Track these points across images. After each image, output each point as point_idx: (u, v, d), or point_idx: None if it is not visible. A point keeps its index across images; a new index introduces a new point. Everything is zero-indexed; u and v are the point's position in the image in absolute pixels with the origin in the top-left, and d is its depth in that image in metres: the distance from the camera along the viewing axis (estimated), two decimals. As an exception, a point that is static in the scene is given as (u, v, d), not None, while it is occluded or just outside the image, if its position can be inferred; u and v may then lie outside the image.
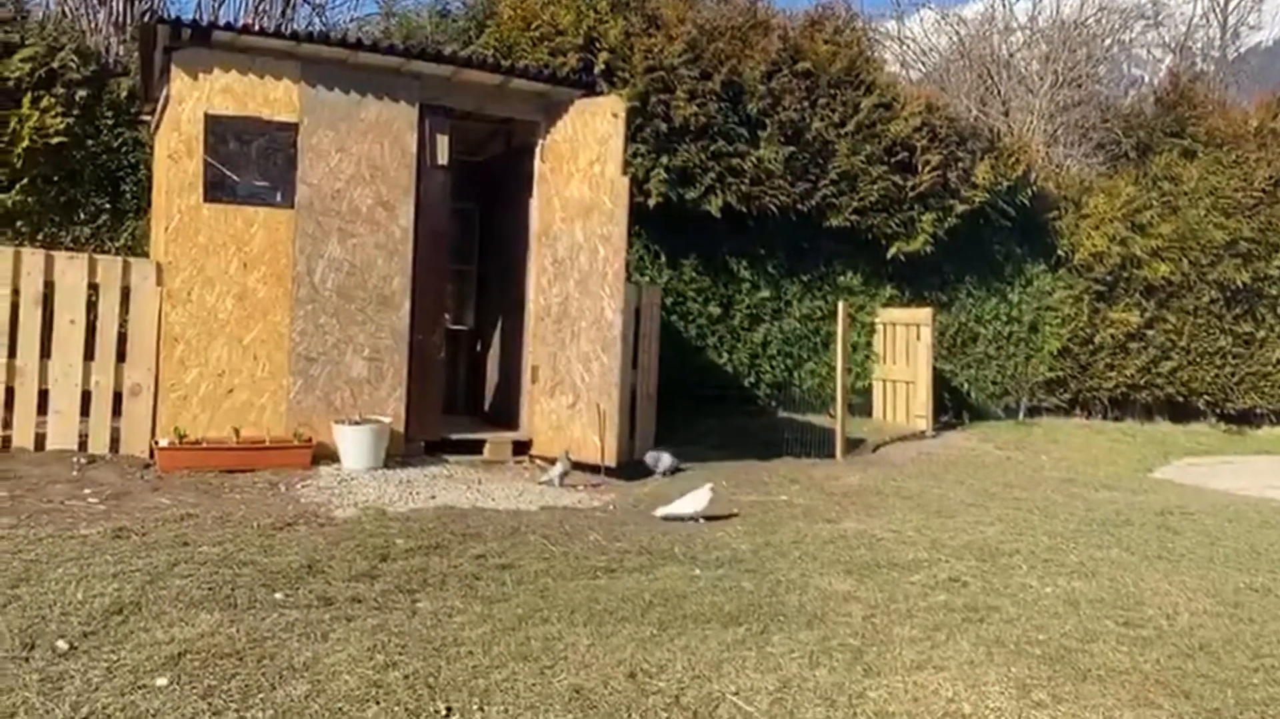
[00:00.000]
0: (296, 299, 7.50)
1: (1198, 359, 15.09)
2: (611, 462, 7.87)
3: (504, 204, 9.34)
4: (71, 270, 7.22)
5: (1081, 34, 18.78)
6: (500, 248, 9.50)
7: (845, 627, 4.45)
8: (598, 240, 7.99)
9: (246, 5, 12.68)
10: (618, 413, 7.94)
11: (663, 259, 11.59)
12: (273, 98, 7.42)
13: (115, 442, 7.25)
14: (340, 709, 3.29)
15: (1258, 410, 15.60)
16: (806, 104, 12.14)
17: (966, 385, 13.89)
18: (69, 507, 5.76)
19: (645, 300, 9.51)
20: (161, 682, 3.40)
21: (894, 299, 13.08)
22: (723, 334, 12.05)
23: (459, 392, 10.27)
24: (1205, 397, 15.23)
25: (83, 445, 7.16)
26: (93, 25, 10.34)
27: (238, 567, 4.71)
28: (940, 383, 12.93)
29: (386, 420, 7.56)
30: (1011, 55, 19.31)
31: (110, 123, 9.31)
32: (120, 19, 10.49)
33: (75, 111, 9.04)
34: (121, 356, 7.29)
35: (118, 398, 7.28)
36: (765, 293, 12.27)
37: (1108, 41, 20.65)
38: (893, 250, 12.85)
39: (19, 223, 8.82)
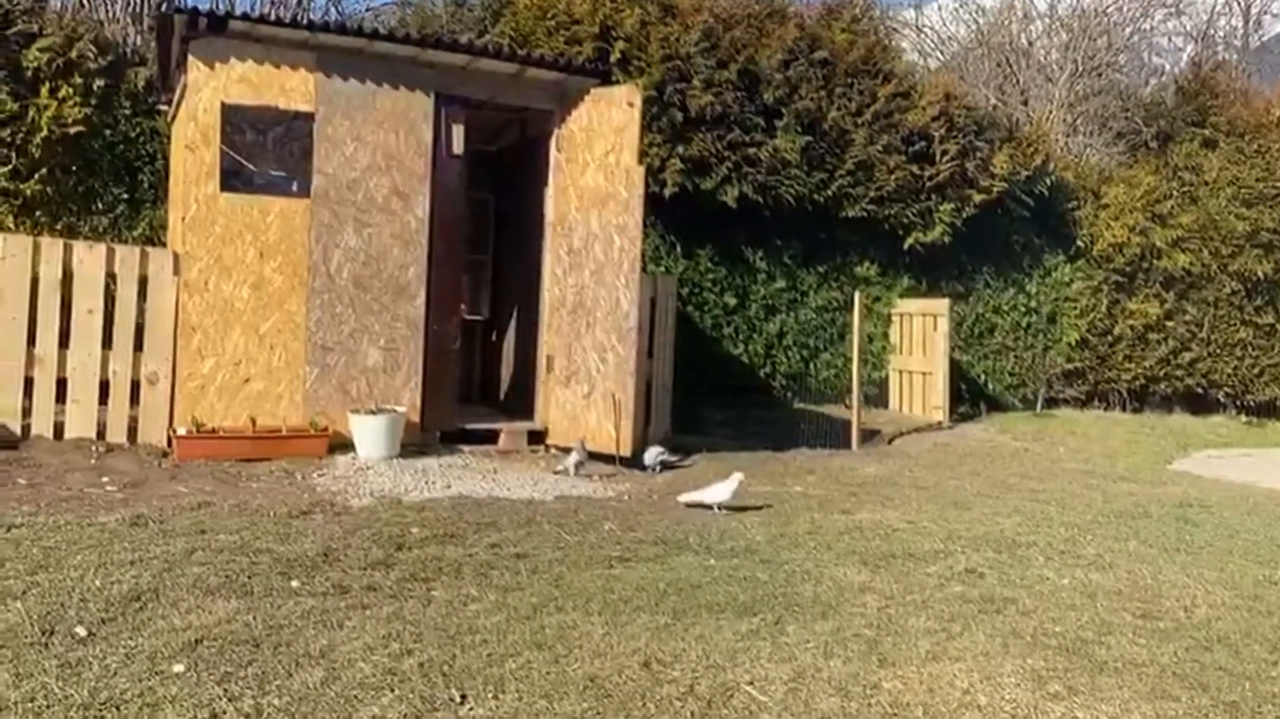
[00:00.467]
0: (312, 289, 7.52)
1: (1218, 351, 14.97)
2: (626, 451, 7.88)
3: (519, 194, 9.34)
4: (90, 259, 7.25)
5: (1102, 22, 18.63)
6: (515, 238, 9.49)
7: (860, 617, 4.44)
8: (613, 230, 7.98)
9: (263, -5, 12.71)
10: (633, 403, 7.94)
11: (678, 249, 11.58)
12: (289, 87, 7.43)
13: (133, 430, 7.29)
14: (356, 696, 3.30)
15: (1278, 403, 15.46)
16: (823, 93, 12.08)
17: (983, 376, 13.83)
18: (87, 494, 5.80)
19: (660, 290, 9.50)
20: (179, 668, 3.42)
21: (911, 290, 13.02)
22: (738, 324, 12.02)
23: (474, 381, 10.29)
24: (1225, 388, 15.11)
25: (101, 434, 7.20)
26: (110, 15, 10.39)
27: (254, 555, 4.74)
28: (957, 374, 12.88)
29: (402, 410, 7.58)
30: (1031, 44, 19.17)
31: (128, 113, 9.35)
32: (137, 9, 10.53)
33: (93, 101, 9.08)
34: (139, 346, 7.32)
35: (135, 387, 7.32)
36: (781, 283, 12.24)
37: (1128, 30, 20.48)
38: (910, 240, 12.80)
39: (38, 212, 8.87)
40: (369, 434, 7.32)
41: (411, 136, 7.78)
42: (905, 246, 12.83)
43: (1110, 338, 14.43)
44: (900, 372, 12.82)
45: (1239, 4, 28.66)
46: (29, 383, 7.08)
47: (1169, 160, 14.94)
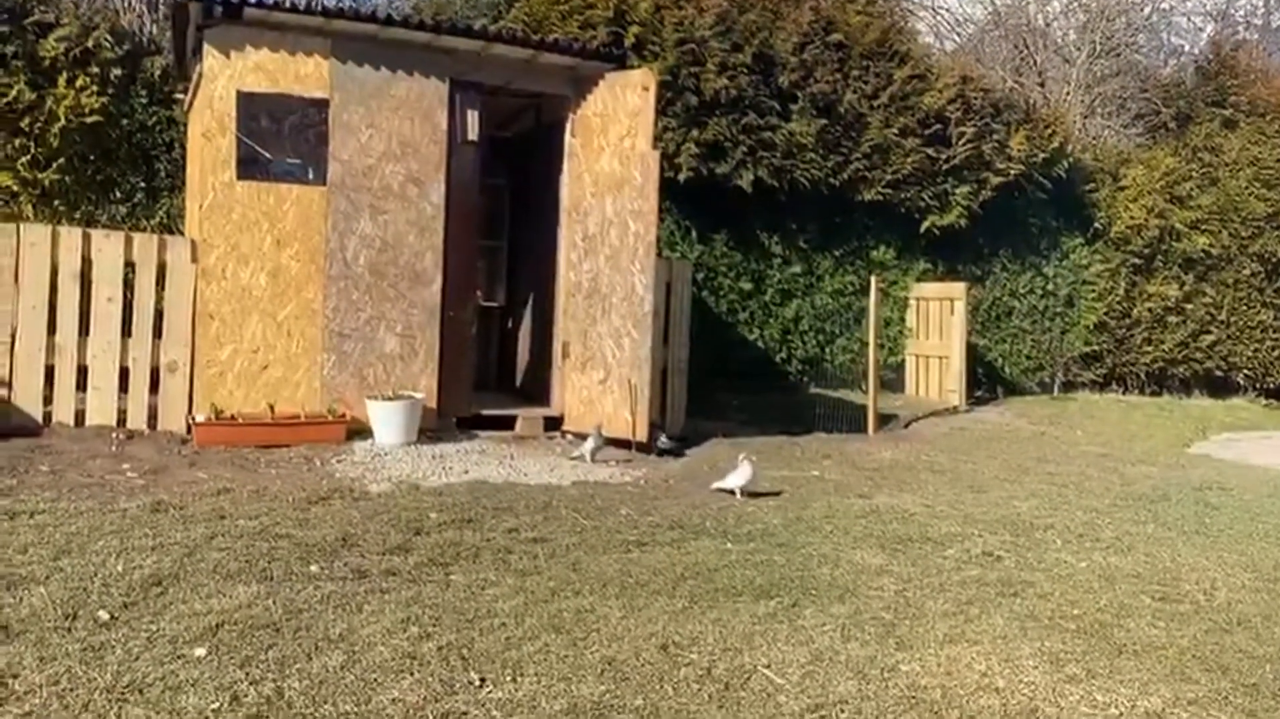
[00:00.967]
0: (329, 276, 7.54)
1: (1237, 333, 14.86)
2: (643, 437, 7.88)
3: (534, 180, 9.33)
4: (108, 248, 7.29)
5: (1120, 2, 18.42)
6: (530, 224, 9.49)
7: (877, 600, 4.44)
8: (628, 215, 7.97)
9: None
10: (648, 388, 7.94)
11: (693, 234, 11.55)
12: (304, 74, 7.44)
13: (153, 417, 7.34)
14: (375, 679, 3.33)
15: (1299, 385, 15.36)
16: (839, 76, 12.01)
17: (1000, 360, 13.77)
18: (108, 481, 5.85)
19: (676, 276, 9.48)
20: (200, 652, 3.45)
21: (927, 273, 12.97)
22: (754, 310, 12.00)
23: (490, 368, 10.31)
24: (1245, 371, 15.00)
25: (121, 421, 7.26)
26: (126, 4, 10.39)
27: (274, 540, 4.77)
28: (974, 358, 12.83)
29: (419, 396, 7.60)
30: (1048, 25, 18.99)
31: (144, 101, 9.39)
32: (153, -2, 10.56)
33: (110, 91, 9.11)
34: (158, 333, 7.37)
35: (155, 374, 7.37)
36: (797, 268, 12.21)
37: (1147, 10, 20.26)
38: (926, 224, 12.74)
39: (56, 201, 8.93)
40: (386, 420, 7.35)
41: (426, 123, 7.78)
42: (922, 230, 12.77)
43: (1128, 321, 14.35)
44: (917, 356, 12.78)
45: (1260, -18, 28.29)
46: (50, 371, 7.14)
47: (1188, 141, 14.81)
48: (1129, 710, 3.45)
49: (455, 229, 7.97)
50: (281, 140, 7.45)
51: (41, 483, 5.66)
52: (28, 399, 7.05)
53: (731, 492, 6.47)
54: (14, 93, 8.68)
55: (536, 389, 9.04)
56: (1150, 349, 14.46)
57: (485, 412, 8.33)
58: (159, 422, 7.33)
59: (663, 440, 8.14)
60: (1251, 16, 27.37)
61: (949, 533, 5.77)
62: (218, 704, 3.08)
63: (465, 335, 8.21)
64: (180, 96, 9.31)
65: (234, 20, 7.21)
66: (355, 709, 3.12)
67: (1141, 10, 19.62)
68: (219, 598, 3.96)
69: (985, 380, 13.30)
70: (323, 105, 7.50)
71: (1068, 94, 16.30)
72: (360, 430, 7.43)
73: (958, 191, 12.73)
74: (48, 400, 7.14)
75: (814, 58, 11.82)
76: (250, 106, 7.32)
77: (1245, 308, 14.83)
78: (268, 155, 7.41)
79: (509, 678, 3.41)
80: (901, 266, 12.87)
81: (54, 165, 8.84)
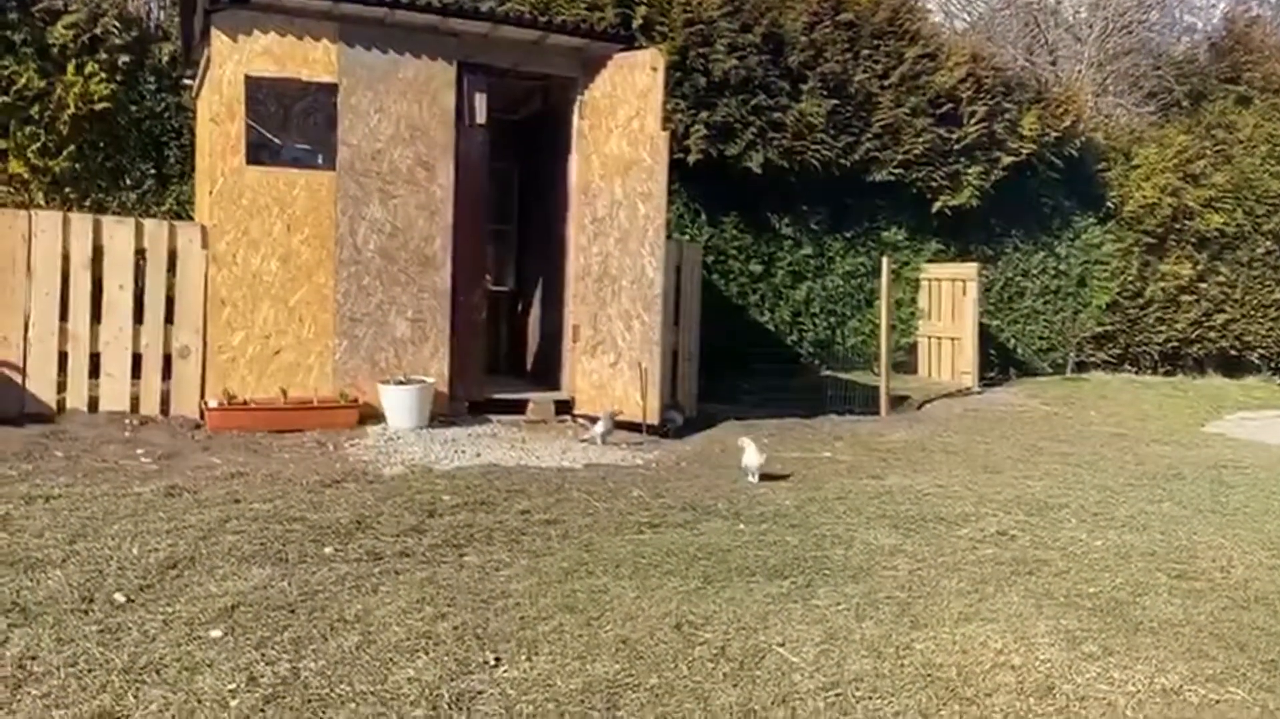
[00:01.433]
0: (340, 260, 7.54)
1: (1252, 312, 14.77)
2: (654, 420, 7.87)
3: (543, 163, 9.30)
4: (119, 235, 7.30)
5: (1132, -21, 18.23)
6: (539, 207, 9.47)
7: (891, 580, 4.43)
8: (637, 197, 7.94)
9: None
10: (659, 371, 7.93)
11: (703, 217, 11.51)
12: (312, 59, 7.42)
13: (165, 403, 7.37)
14: (391, 659, 3.34)
15: (1314, 364, 15.27)
16: (849, 55, 11.93)
17: (1013, 341, 13.71)
18: (123, 466, 5.87)
19: (686, 258, 9.45)
20: (216, 633, 3.46)
21: (939, 254, 12.90)
22: (764, 292, 11.96)
23: (501, 352, 10.31)
24: (1260, 350, 14.91)
25: (134, 407, 7.28)
26: (133, -10, 10.38)
27: (288, 523, 4.78)
28: (986, 339, 12.78)
29: (431, 380, 7.61)
30: (1059, 2, 18.82)
31: (153, 88, 9.38)
32: (160, -16, 10.52)
33: (118, 77, 9.10)
34: (170, 320, 7.38)
35: (167, 360, 7.39)
36: (807, 250, 12.16)
37: (1160, -14, 20.02)
38: (938, 204, 12.67)
39: (67, 189, 8.93)
40: (399, 404, 7.36)
41: (435, 106, 7.76)
42: (933, 210, 12.71)
43: (1141, 300, 14.26)
44: (929, 337, 12.73)
45: (1274, -43, 27.98)
46: (63, 358, 7.16)
47: (1201, 119, 14.68)
48: (1146, 687, 3.44)
49: (464, 213, 7.95)
50: (290, 125, 7.45)
51: (56, 468, 5.69)
52: (42, 386, 7.07)
53: (746, 472, 6.44)
54: (23, 80, 8.68)
55: (547, 373, 9.04)
56: (1164, 329, 14.38)
57: (496, 396, 8.33)
58: (172, 407, 7.36)
59: (672, 416, 8.16)
60: (1265, -8, 27.08)
61: (963, 513, 5.75)
62: (234, 684, 3.09)
63: (475, 319, 8.21)
64: (189, 82, 9.30)
65: (241, 4, 7.19)
66: (371, 689, 3.13)
67: (1154, -13, 19.41)
68: (234, 580, 3.97)
69: (998, 361, 13.25)
70: (331, 89, 7.48)
71: (1079, 72, 16.16)
72: (373, 415, 7.44)
73: (969, 171, 12.66)
74: (61, 387, 7.16)
75: (824, 37, 11.74)
76: (258, 91, 7.31)
77: (1260, 286, 14.72)
78: (277, 140, 7.40)
79: (524, 657, 3.41)
80: (913, 247, 12.81)
81: (64, 153, 8.85)
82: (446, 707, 3.04)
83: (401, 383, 7.48)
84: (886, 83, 12.15)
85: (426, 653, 3.40)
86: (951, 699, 3.27)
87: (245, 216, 7.33)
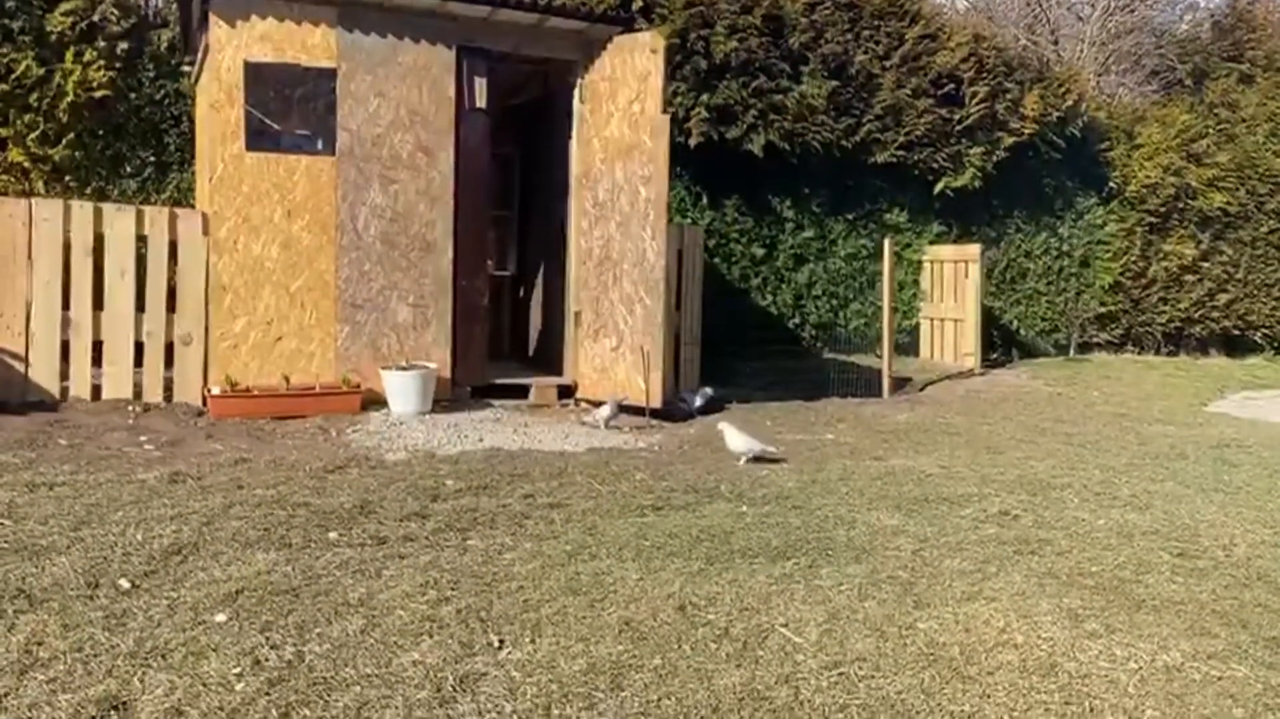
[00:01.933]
0: (341, 246, 7.53)
1: (1255, 291, 14.73)
2: (656, 403, 7.88)
3: (543, 147, 9.28)
4: (120, 222, 7.30)
5: (1135, -43, 18.12)
6: (540, 192, 9.45)
7: (894, 560, 4.44)
8: (638, 181, 7.92)
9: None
10: (661, 355, 7.93)
11: (704, 200, 11.48)
12: (310, 44, 7.40)
13: (168, 391, 7.38)
14: (395, 643, 3.35)
15: (1318, 343, 15.24)
16: (850, 36, 11.89)
17: (1015, 322, 13.69)
18: (126, 453, 5.89)
19: (687, 242, 9.44)
20: (221, 618, 3.47)
21: (941, 236, 12.88)
22: (766, 275, 11.95)
23: (503, 337, 10.32)
24: (1263, 329, 14.89)
25: (137, 395, 7.29)
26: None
27: (292, 508, 4.79)
28: (989, 320, 12.76)
29: (433, 366, 7.61)
30: (1061, -19, 18.71)
31: (152, 75, 9.35)
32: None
33: (117, 65, 9.08)
34: (172, 307, 7.39)
35: (169, 348, 7.40)
36: (809, 232, 12.13)
37: (1162, -36, 19.91)
38: (940, 186, 12.64)
39: (67, 177, 8.93)
40: (401, 390, 7.36)
41: (434, 91, 7.73)
42: (935, 192, 12.67)
43: (1144, 280, 14.23)
44: (931, 319, 12.71)
45: (1278, -66, 27.80)
46: (65, 346, 7.17)
47: (1204, 98, 14.62)
48: (1148, 664, 3.45)
49: (465, 197, 7.94)
50: (290, 111, 7.43)
51: (60, 456, 5.70)
52: (45, 374, 7.09)
53: (735, 456, 6.45)
54: (22, 68, 8.66)
55: (550, 358, 9.04)
56: (1166, 309, 14.35)
57: (499, 381, 8.34)
58: (174, 394, 7.37)
59: (688, 398, 8.21)
60: (1269, -30, 26.92)
61: (965, 493, 5.76)
62: (239, 668, 3.11)
63: (477, 305, 8.21)
64: (187, 69, 9.28)
65: (239, -10, 7.17)
66: (376, 671, 3.14)
67: (1156, -35, 19.29)
68: (238, 565, 3.98)
69: (1000, 343, 13.23)
70: (330, 74, 7.46)
71: (1081, 51, 16.09)
72: (375, 401, 7.45)
73: (971, 152, 12.62)
74: (64, 375, 7.18)
75: (824, 18, 11.69)
76: (257, 77, 7.29)
77: (1263, 266, 14.68)
78: (276, 126, 7.39)
79: (528, 639, 3.43)
80: (915, 229, 12.78)
81: (64, 141, 8.83)
82: (451, 689, 3.05)
83: (404, 368, 7.48)
84: (888, 64, 12.10)
85: (430, 636, 3.41)
86: (954, 678, 3.28)
87: (246, 203, 7.32)
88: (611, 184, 8.14)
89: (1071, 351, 14.02)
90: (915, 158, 12.38)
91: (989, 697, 3.17)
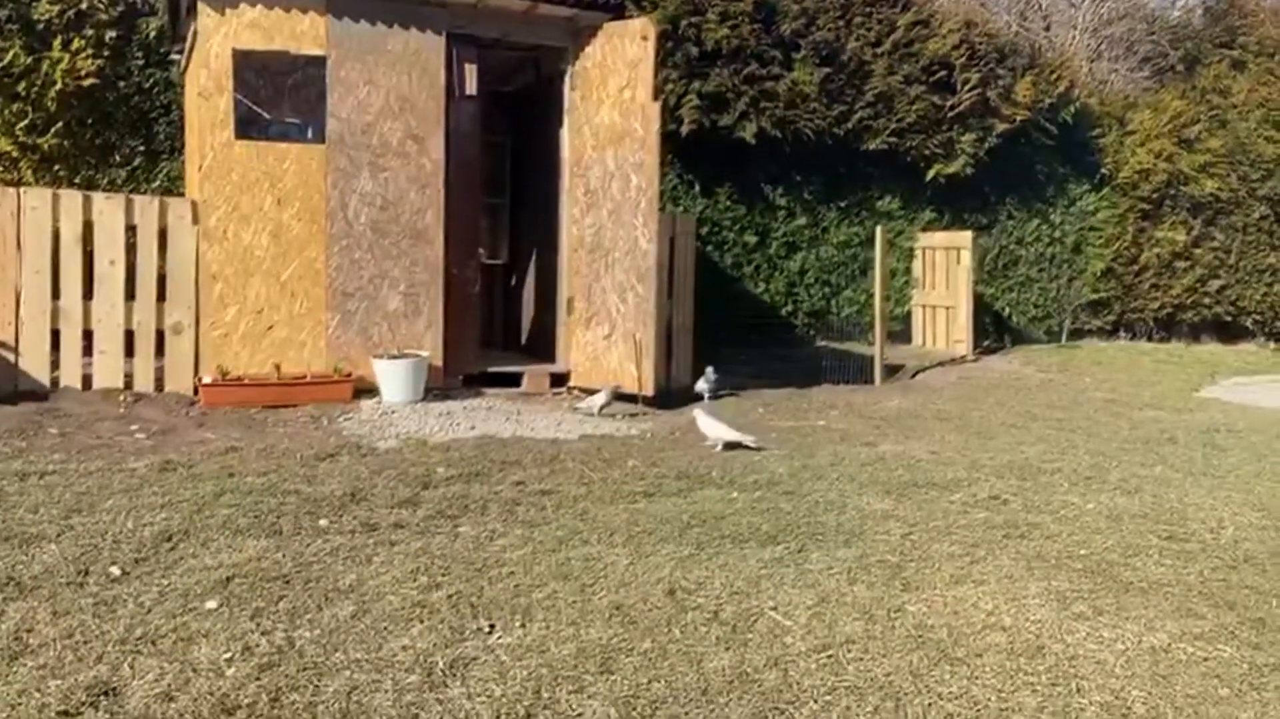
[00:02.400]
0: (331, 235, 7.51)
1: (1246, 277, 14.75)
2: (649, 391, 7.88)
3: (534, 134, 9.26)
4: (109, 211, 7.27)
5: (1127, -57, 18.09)
6: (532, 179, 9.44)
7: (884, 544, 4.46)
8: (630, 168, 7.91)
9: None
10: (654, 343, 7.93)
11: (697, 188, 11.48)
12: (299, 31, 7.37)
13: (159, 380, 7.36)
14: (385, 628, 3.36)
15: (1308, 329, 15.28)
16: (841, 23, 11.87)
17: (1008, 309, 13.72)
18: (117, 442, 5.88)
19: (680, 230, 9.42)
20: (211, 604, 3.48)
21: (933, 223, 12.89)
22: (759, 263, 11.95)
23: (496, 326, 10.30)
24: (1254, 315, 14.91)
25: (128, 384, 7.28)
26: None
27: (282, 496, 4.80)
28: (981, 307, 12.79)
29: (425, 354, 7.61)
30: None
31: (140, 63, 9.32)
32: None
33: (105, 53, 9.04)
34: (162, 296, 7.37)
35: (160, 337, 7.38)
36: (802, 220, 12.14)
37: (1154, -50, 19.88)
38: (932, 173, 12.64)
39: (56, 166, 8.90)
40: (392, 378, 7.36)
41: (424, 78, 7.71)
42: (927, 179, 12.68)
43: (1136, 267, 14.25)
44: (923, 306, 12.73)
45: (1270, -80, 27.78)
46: (55, 335, 7.15)
47: (1196, 84, 14.62)
48: (1134, 646, 3.47)
49: (456, 185, 7.93)
50: (279, 99, 7.40)
51: (51, 445, 5.70)
52: (35, 363, 7.07)
53: (728, 445, 6.47)
54: (9, 57, 8.63)
55: (542, 346, 9.04)
56: (1158, 295, 14.38)
57: (491, 369, 8.34)
58: (166, 384, 7.36)
59: (703, 387, 8.29)
60: (1261, -44, 26.90)
61: (955, 478, 5.78)
62: (230, 654, 3.12)
63: (469, 293, 8.20)
64: (176, 57, 9.24)
65: (227, -23, 7.13)
66: (366, 657, 3.15)
67: (1149, -49, 19.26)
68: (229, 552, 3.99)
69: (992, 329, 13.26)
70: (319, 62, 7.43)
71: (1073, 38, 16.09)
72: (367, 389, 7.44)
73: (963, 139, 12.62)
74: (55, 365, 7.16)
75: (816, 5, 11.68)
76: (246, 65, 7.26)
77: (1254, 251, 14.70)
78: (266, 114, 7.36)
79: (518, 624, 3.44)
80: (907, 216, 12.79)
81: (52, 130, 8.81)
82: (441, 673, 3.06)
83: (395, 357, 7.48)
84: (879, 50, 12.09)
85: (421, 621, 3.42)
86: (942, 660, 3.30)
87: (235, 191, 7.30)
88: (603, 171, 8.13)
89: (1063, 338, 14.05)
90: (907, 145, 12.38)
91: (976, 678, 3.19)
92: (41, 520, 4.27)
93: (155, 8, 9.42)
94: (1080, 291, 14.10)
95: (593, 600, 3.66)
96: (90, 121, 9.07)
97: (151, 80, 9.35)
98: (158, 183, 9.27)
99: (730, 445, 6.42)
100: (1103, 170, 14.09)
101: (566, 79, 8.39)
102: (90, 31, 8.95)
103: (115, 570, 3.74)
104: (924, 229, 12.81)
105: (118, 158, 9.23)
